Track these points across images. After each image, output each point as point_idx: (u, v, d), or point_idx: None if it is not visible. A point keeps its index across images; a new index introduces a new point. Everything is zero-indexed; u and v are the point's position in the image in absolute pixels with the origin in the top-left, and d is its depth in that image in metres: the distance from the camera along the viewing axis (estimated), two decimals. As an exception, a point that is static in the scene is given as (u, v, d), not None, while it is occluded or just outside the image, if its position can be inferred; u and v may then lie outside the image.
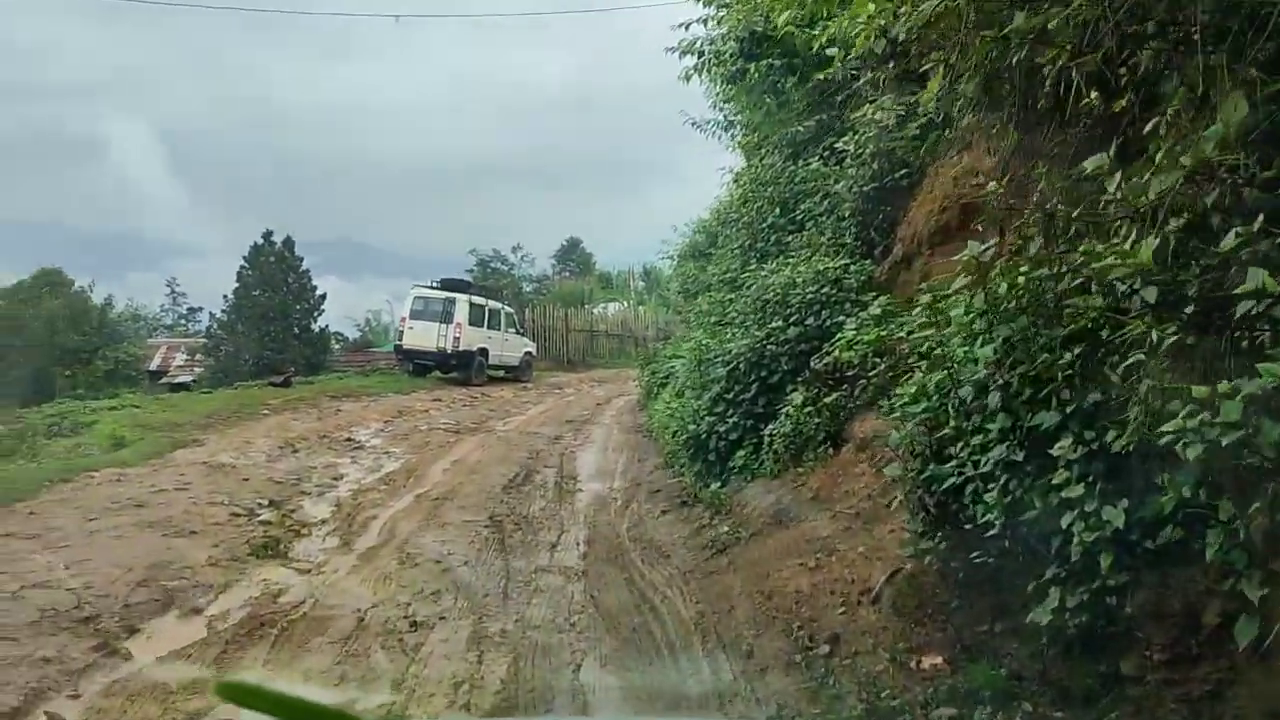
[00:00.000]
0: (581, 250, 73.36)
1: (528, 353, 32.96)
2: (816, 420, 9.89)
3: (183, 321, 61.47)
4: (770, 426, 10.57)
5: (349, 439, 17.81)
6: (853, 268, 11.32)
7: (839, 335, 9.66)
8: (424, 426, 19.15)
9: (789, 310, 11.12)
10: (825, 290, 10.96)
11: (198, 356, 45.18)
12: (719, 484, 11.08)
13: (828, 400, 9.86)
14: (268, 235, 42.25)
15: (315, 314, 42.60)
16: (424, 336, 29.25)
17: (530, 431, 18.14)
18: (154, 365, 58.68)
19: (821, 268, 11.30)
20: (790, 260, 12.25)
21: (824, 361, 10.00)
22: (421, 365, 29.77)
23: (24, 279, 47.02)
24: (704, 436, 11.68)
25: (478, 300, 30.38)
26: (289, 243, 42.38)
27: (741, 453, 11.01)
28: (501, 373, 32.24)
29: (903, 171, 11.20)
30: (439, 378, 30.25)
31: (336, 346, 49.31)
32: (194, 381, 42.18)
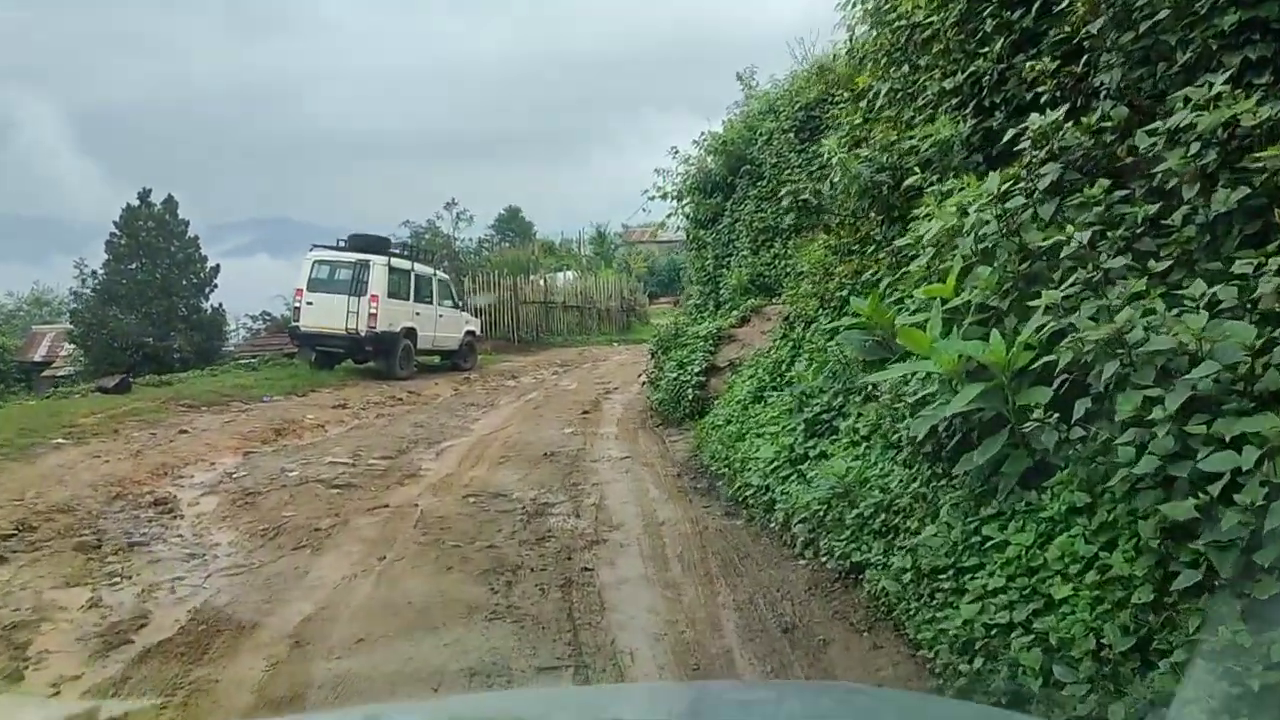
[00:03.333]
0: (521, 219, 65.10)
1: (469, 332, 24.52)
2: None
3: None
4: None
5: (158, 501, 9.66)
6: None
7: None
8: (297, 468, 10.85)
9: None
10: None
11: (72, 346, 36.40)
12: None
13: None
14: (144, 195, 33.16)
15: (206, 290, 33.68)
16: (328, 314, 20.80)
17: (487, 492, 9.53)
18: (38, 355, 49.42)
19: None
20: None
21: None
22: (326, 353, 21.25)
23: None
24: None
25: (401, 264, 21.91)
26: (171, 204, 33.30)
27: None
28: (436, 359, 23.83)
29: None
30: (352, 369, 21.72)
31: (257, 328, 40.65)
32: (79, 374, 33.36)
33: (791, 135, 15.97)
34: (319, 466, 10.95)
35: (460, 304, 24.63)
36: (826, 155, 6.52)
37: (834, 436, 6.17)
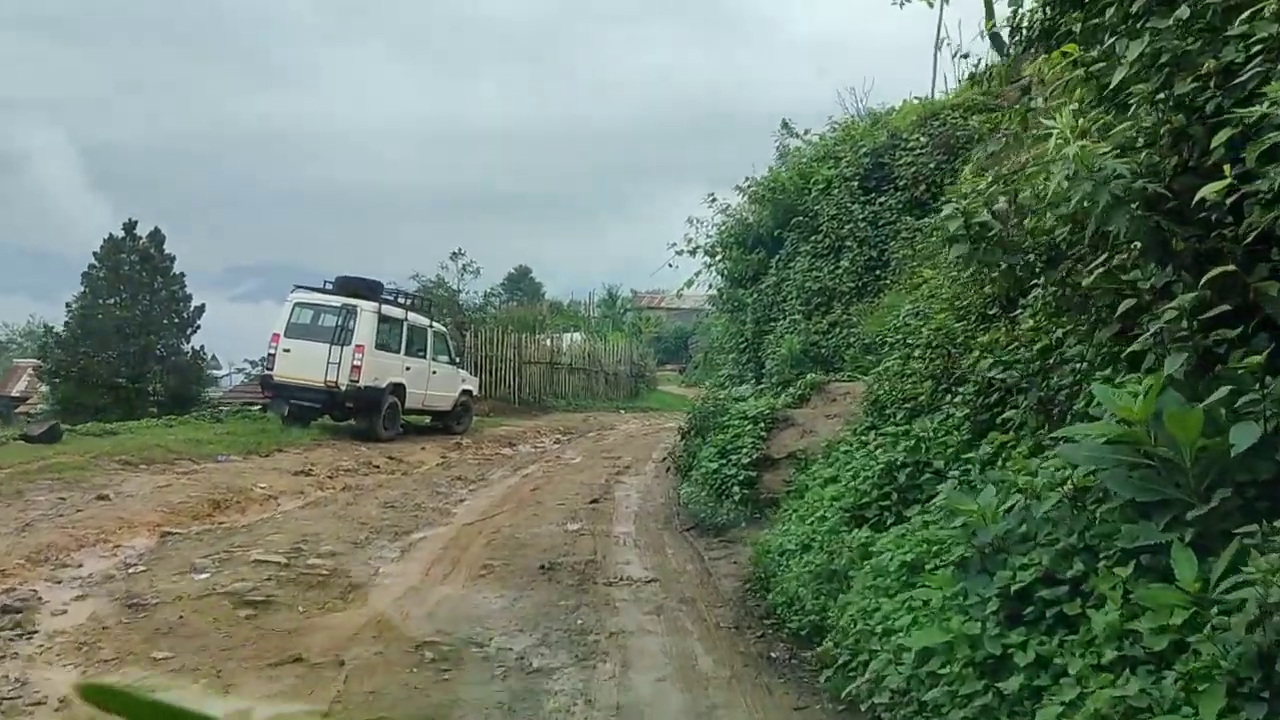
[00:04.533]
0: (531, 279, 62.90)
1: (466, 392, 21.69)
2: None
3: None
4: None
5: (6, 609, 6.84)
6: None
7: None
8: (213, 565, 8.06)
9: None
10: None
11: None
12: None
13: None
14: (130, 227, 30.60)
15: (188, 331, 30.96)
16: (306, 364, 18.06)
17: (457, 635, 6.44)
18: (15, 390, 46.87)
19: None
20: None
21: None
22: (302, 407, 18.41)
23: None
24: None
25: (392, 313, 19.20)
26: (157, 238, 30.73)
27: None
28: (427, 420, 21.00)
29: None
30: (329, 427, 18.90)
31: (241, 377, 37.87)
32: (49, 412, 30.54)
33: (855, 185, 13.37)
34: (242, 565, 8.10)
35: (457, 360, 21.84)
36: (1051, 144, 3.88)
37: (1066, 633, 3.40)
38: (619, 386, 34.65)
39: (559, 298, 56.68)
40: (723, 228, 14.96)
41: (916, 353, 7.28)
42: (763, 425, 9.55)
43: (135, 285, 30.07)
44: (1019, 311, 5.53)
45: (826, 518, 6.25)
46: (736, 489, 8.88)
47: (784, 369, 11.57)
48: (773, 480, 8.91)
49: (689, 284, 16.95)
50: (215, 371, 36.79)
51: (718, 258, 15.15)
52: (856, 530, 5.73)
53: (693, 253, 16.05)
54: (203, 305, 31.22)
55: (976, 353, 6.06)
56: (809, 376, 10.51)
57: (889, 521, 5.58)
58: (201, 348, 30.88)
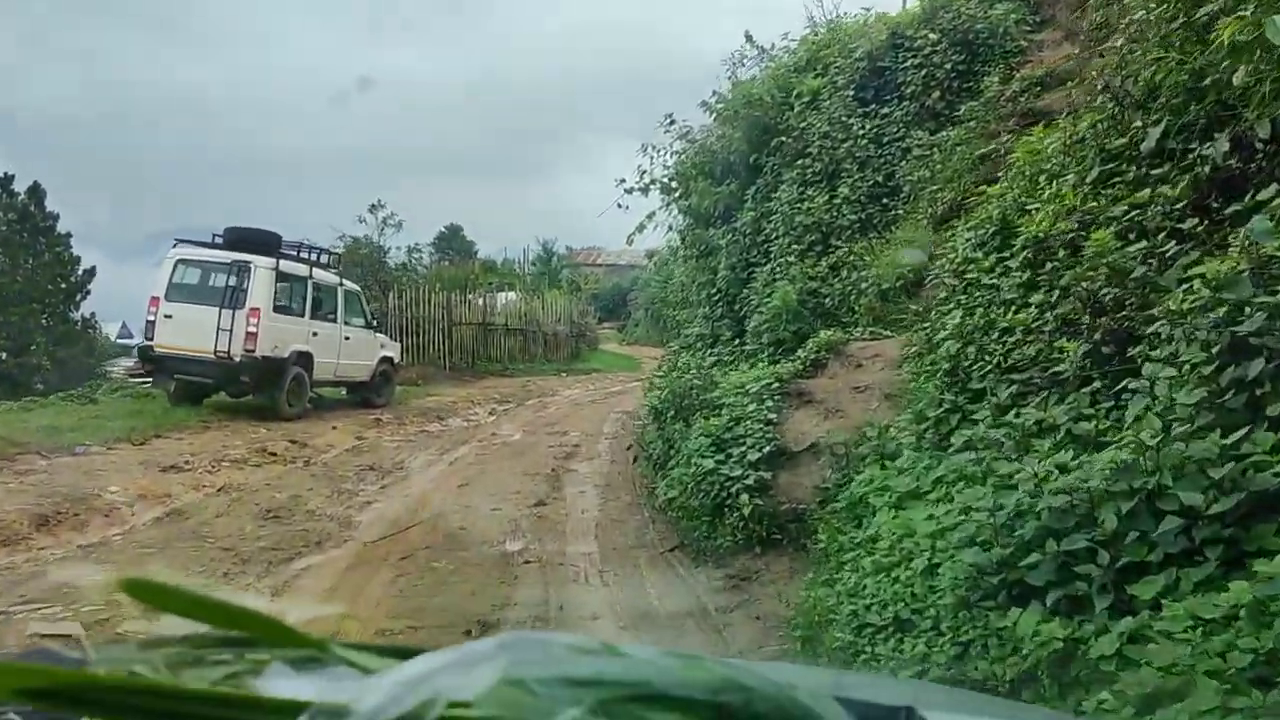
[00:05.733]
0: (463, 238, 59.40)
1: (386, 359, 18.76)
2: None
3: None
4: None
5: None
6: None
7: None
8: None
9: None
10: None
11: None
12: None
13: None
14: (5, 182, 26.89)
15: (77, 298, 27.45)
16: (193, 332, 15.10)
17: None
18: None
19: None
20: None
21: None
22: (190, 383, 15.42)
23: None
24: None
25: (294, 270, 16.24)
26: (37, 194, 27.06)
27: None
28: (342, 392, 18.11)
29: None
30: (225, 405, 15.98)
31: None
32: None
33: (850, 96, 10.74)
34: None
35: (375, 323, 18.89)
36: None
37: None
38: (559, 348, 31.86)
39: (492, 257, 53.43)
40: (684, 157, 12.26)
41: (1038, 295, 4.70)
42: (769, 404, 6.92)
43: (13, 247, 26.47)
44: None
45: (939, 574, 3.65)
46: (745, 498, 6.25)
47: (777, 326, 8.97)
48: (793, 483, 6.32)
49: (641, 228, 14.21)
50: (127, 341, 33.27)
51: (677, 193, 12.43)
52: (1020, 614, 3.14)
53: (645, 190, 13.29)
54: (93, 268, 27.74)
55: (1181, 292, 3.48)
56: (822, 335, 7.90)
57: (1099, 605, 2.99)
58: (92, 315, 27.44)
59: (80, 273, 27.43)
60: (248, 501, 9.46)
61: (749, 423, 6.77)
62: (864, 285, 8.64)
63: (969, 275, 5.92)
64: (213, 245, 16.07)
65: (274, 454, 12.64)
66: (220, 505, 9.31)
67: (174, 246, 15.95)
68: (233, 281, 15.34)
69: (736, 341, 10.41)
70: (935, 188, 9.00)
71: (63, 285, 27.03)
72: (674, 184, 12.45)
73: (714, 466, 6.58)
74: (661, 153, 12.32)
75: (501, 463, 11.91)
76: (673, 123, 12.21)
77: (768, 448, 6.53)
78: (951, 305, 5.97)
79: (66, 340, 26.22)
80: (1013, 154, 6.99)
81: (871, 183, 9.89)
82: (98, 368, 27.02)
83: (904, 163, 9.72)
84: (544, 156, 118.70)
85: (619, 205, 13.60)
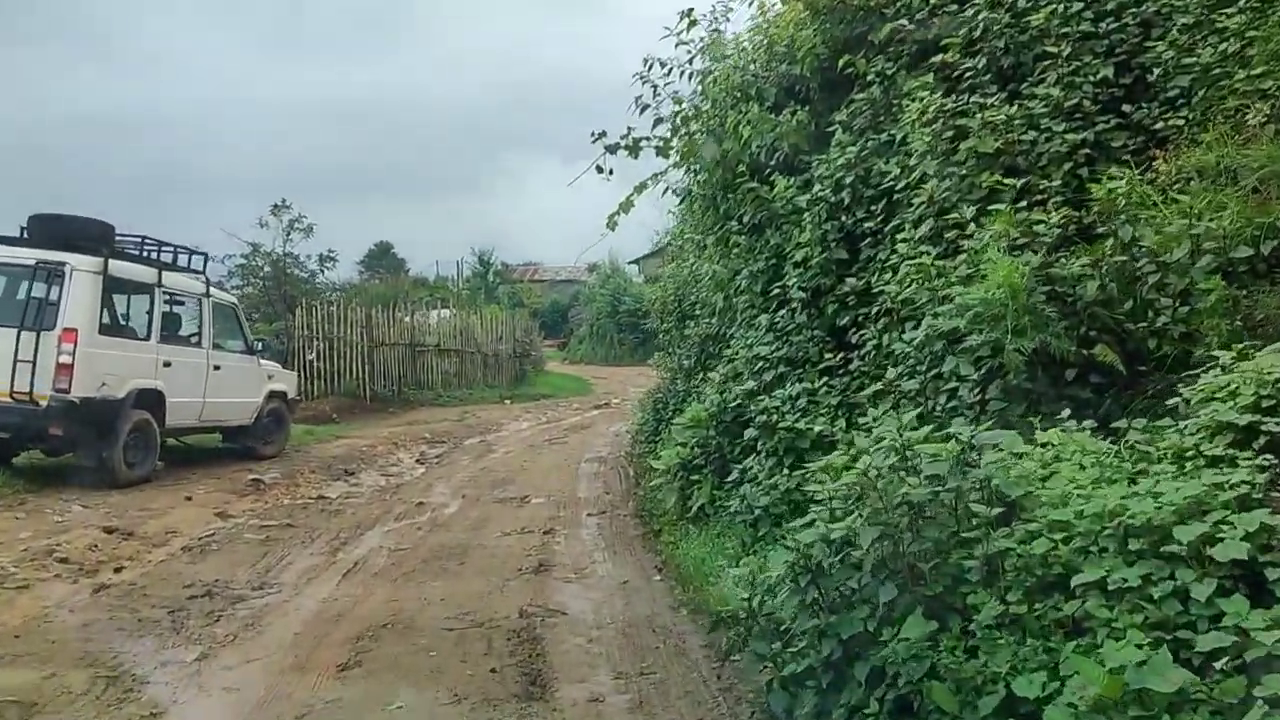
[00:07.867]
0: (393, 255, 54.49)
1: (277, 394, 13.78)
2: None
3: None
4: None
5: None
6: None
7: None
8: None
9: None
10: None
11: None
12: None
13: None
14: None
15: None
16: (-21, 365, 10.05)
17: None
18: None
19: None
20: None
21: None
22: (-18, 437, 10.50)
23: None
24: None
25: (132, 273, 11.39)
26: None
27: None
28: (219, 440, 13.20)
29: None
30: (43, 466, 11.05)
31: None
32: None
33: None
34: None
35: (262, 347, 13.92)
36: None
37: None
38: (501, 370, 26.99)
39: (424, 274, 48.35)
40: (712, 77, 7.66)
41: None
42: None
43: None
44: None
45: None
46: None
47: (1002, 351, 4.27)
48: None
49: (628, 206, 9.46)
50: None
51: (698, 125, 7.72)
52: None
53: (634, 149, 8.59)
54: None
55: None
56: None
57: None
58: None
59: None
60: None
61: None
62: (1175, 259, 4.09)
63: None
64: (13, 241, 11.08)
65: (64, 560, 7.73)
66: None
67: (-45, 243, 10.94)
68: (38, 291, 10.41)
69: (820, 381, 5.81)
70: (1253, 73, 4.53)
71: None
72: (691, 124, 7.82)
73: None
74: (675, 69, 7.71)
75: (431, 575, 7.13)
76: (693, 21, 7.60)
77: None
78: None
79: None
80: None
81: (1099, 76, 5.43)
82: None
83: (1162, 41, 5.26)
84: (477, 175, 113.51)
85: (598, 170, 8.89)
